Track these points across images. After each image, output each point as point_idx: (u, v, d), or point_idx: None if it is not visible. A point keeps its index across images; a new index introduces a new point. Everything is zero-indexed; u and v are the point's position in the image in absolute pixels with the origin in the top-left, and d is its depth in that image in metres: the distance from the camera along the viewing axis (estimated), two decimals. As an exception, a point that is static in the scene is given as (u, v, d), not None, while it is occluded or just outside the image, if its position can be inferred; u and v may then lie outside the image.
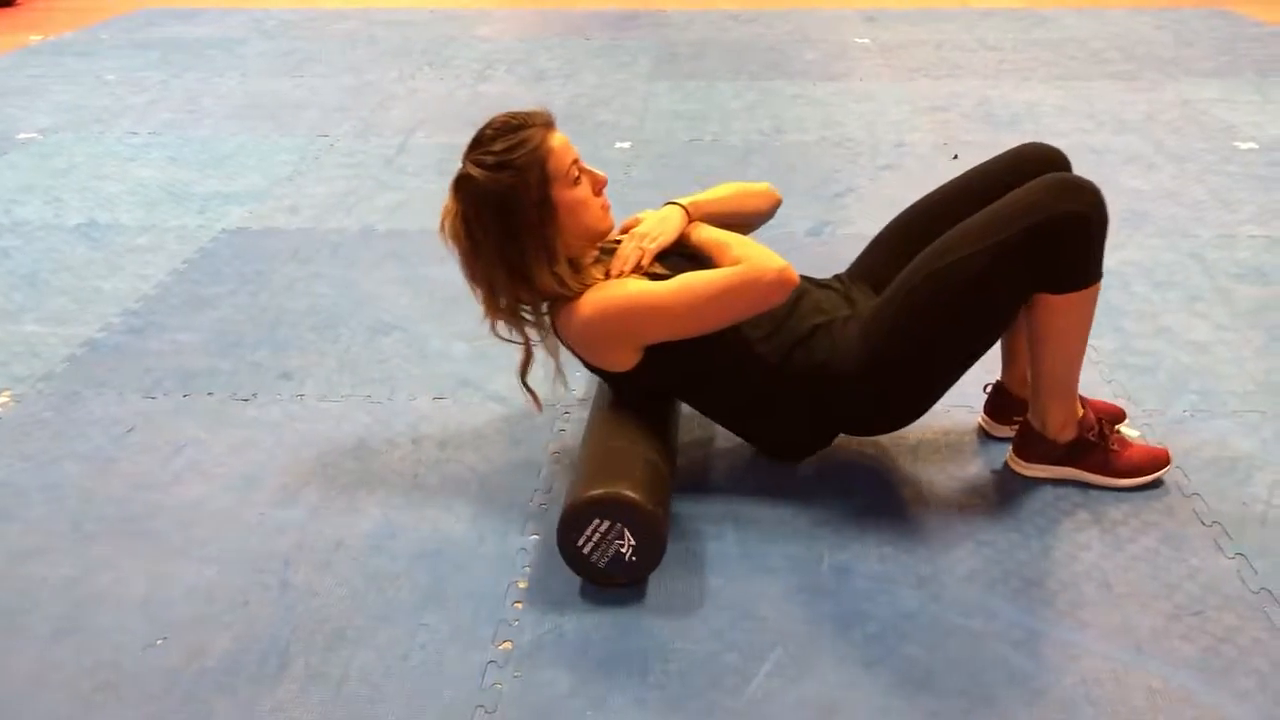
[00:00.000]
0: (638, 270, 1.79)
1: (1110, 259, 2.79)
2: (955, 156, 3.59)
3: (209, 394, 2.26)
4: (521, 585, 1.69)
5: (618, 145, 3.80)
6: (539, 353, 1.88)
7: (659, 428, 1.85)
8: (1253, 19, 5.58)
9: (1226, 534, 1.77)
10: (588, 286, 1.78)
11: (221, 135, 3.98)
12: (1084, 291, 1.75)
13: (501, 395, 2.22)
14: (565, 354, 1.91)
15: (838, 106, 4.21)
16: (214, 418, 2.17)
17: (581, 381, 2.19)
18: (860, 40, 5.31)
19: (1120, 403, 2.09)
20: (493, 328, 1.84)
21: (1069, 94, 4.32)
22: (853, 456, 2.00)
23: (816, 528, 1.81)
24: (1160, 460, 1.89)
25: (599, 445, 1.78)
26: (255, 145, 3.86)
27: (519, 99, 4.37)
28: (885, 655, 1.54)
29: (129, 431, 2.13)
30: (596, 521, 1.62)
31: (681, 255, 1.85)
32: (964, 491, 1.90)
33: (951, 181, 1.98)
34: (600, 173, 1.84)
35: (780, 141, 3.80)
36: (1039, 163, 1.88)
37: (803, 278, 1.94)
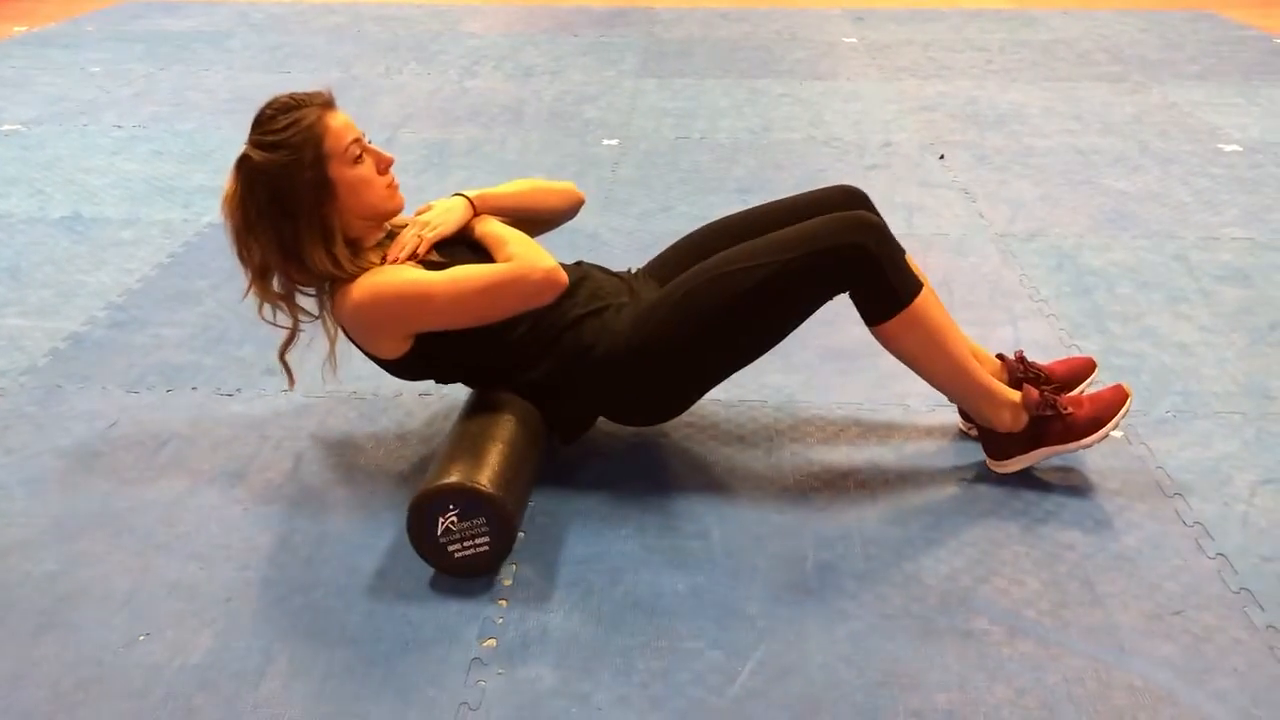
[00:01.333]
0: (414, 258, 1.81)
1: (1095, 260, 2.84)
2: (941, 156, 3.61)
3: (193, 389, 2.25)
4: (506, 583, 1.69)
5: (605, 142, 3.80)
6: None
7: (521, 414, 1.86)
8: (1238, 23, 5.61)
9: (1208, 534, 1.79)
10: (364, 270, 1.79)
11: (207, 129, 3.96)
12: (902, 314, 1.80)
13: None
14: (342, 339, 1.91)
15: (825, 106, 4.21)
16: (198, 413, 2.16)
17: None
18: (848, 40, 5.32)
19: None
20: (259, 310, 1.85)
21: (1055, 95, 4.34)
22: (836, 458, 2.01)
23: (801, 526, 1.81)
24: (1119, 399, 1.88)
25: (457, 434, 1.80)
26: (241, 139, 3.82)
27: (505, 95, 4.36)
28: (869, 654, 1.54)
29: (112, 426, 2.12)
30: (446, 511, 1.65)
31: (470, 248, 1.87)
32: (947, 491, 1.90)
33: (761, 205, 2.07)
34: (386, 153, 1.84)
35: (767, 140, 3.81)
36: (844, 200, 1.99)
37: (591, 265, 2.01)
